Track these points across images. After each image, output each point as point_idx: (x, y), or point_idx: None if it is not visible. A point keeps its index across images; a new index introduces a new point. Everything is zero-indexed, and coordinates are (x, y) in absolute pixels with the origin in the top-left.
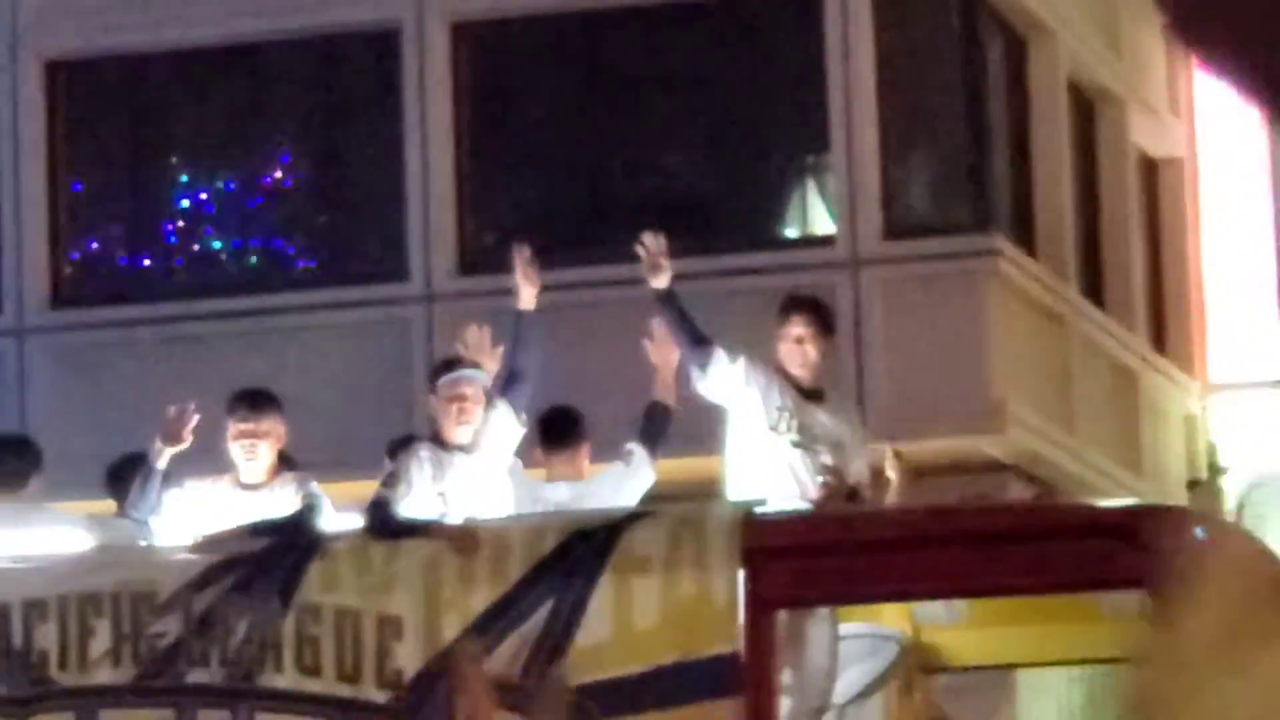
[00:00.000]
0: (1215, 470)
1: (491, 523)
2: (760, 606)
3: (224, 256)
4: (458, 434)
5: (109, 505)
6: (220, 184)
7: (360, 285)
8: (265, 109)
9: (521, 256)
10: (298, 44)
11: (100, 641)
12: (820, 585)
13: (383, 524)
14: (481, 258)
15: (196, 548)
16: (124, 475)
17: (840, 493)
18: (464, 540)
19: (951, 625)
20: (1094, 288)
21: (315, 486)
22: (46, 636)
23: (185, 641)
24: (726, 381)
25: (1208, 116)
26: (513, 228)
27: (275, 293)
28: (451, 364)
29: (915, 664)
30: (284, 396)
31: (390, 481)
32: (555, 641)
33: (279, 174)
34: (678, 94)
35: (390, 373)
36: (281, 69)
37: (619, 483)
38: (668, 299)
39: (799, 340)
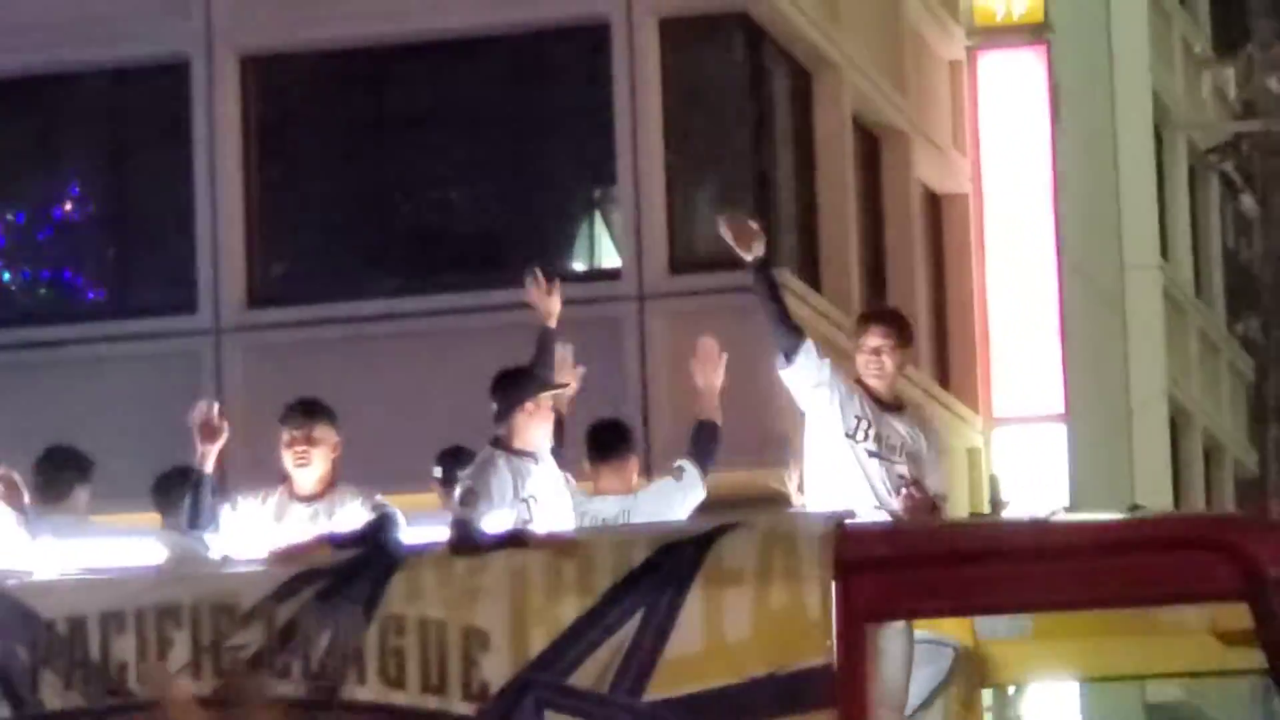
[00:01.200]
0: (997, 503)
1: (580, 533)
2: (852, 619)
3: (13, 288)
4: (542, 443)
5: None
6: (10, 216)
7: (149, 317)
8: (55, 141)
9: (538, 278)
10: (88, 76)
11: (179, 653)
12: (912, 598)
13: (469, 543)
14: (270, 290)
15: (273, 559)
16: (169, 488)
17: (924, 506)
18: (562, 547)
19: (1015, 638)
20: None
21: (382, 498)
22: (124, 648)
23: (266, 653)
24: (809, 374)
25: (992, 152)
26: (301, 261)
27: (64, 324)
28: (547, 381)
29: (976, 676)
30: (72, 427)
31: (469, 500)
32: (645, 654)
33: (69, 206)
34: (465, 127)
35: (179, 405)
36: (71, 101)
37: (669, 498)
38: (763, 274)
39: (876, 351)
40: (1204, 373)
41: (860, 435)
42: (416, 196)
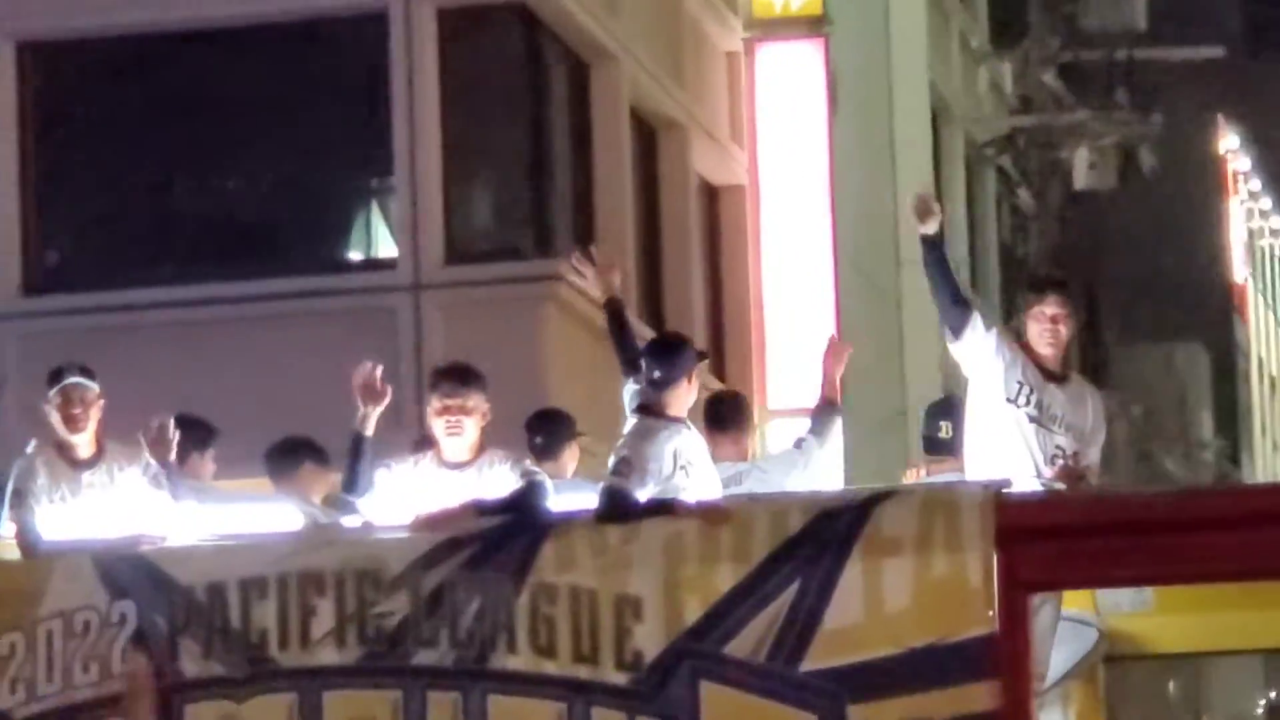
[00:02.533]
0: None
1: (733, 501)
2: (1015, 588)
3: None
4: (684, 409)
5: None
6: None
7: None
8: None
9: (591, 256)
10: None
11: (323, 621)
12: (1075, 567)
13: (619, 511)
14: (46, 277)
15: (418, 526)
16: (283, 457)
17: (1076, 476)
18: (715, 515)
19: (1137, 612)
20: (655, 313)
21: (532, 464)
22: (266, 615)
23: (413, 621)
24: (978, 347)
25: (769, 145)
26: (78, 248)
27: None
28: (703, 351)
29: (1100, 652)
30: None
31: (623, 469)
32: (802, 623)
33: None
34: (243, 116)
35: None
36: None
37: (789, 468)
38: (933, 249)
39: (1054, 320)
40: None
41: (1021, 401)
42: (194, 185)
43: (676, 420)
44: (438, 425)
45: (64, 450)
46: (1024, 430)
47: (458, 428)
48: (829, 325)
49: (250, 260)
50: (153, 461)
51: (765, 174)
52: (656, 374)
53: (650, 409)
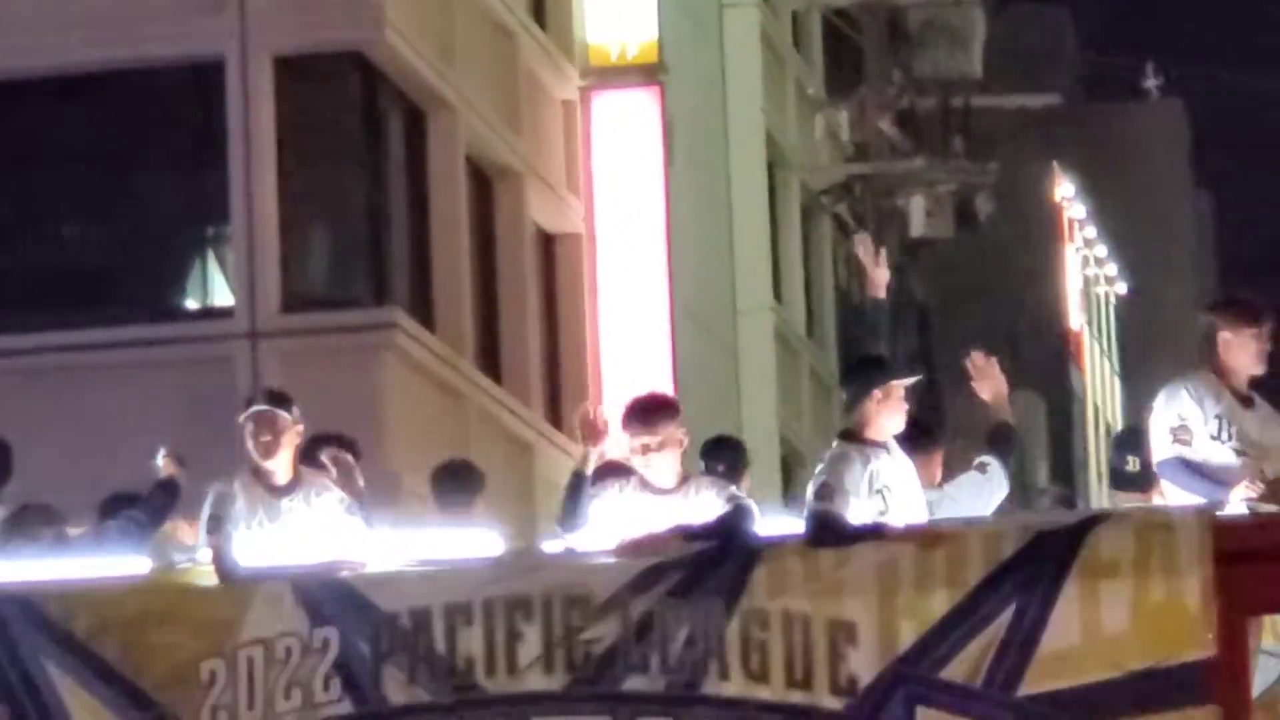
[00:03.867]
0: None
1: (947, 524)
2: (1233, 610)
3: None
4: (893, 432)
5: None
6: None
7: None
8: None
9: (867, 245)
10: None
11: (530, 646)
12: None
13: (833, 536)
14: None
15: (623, 551)
16: (448, 480)
17: (1275, 497)
18: (928, 539)
19: None
20: (491, 362)
21: (737, 489)
22: (471, 641)
23: (622, 646)
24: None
25: (605, 193)
26: None
27: None
28: (896, 369)
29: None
30: None
31: (825, 494)
32: (1020, 647)
33: None
34: (78, 165)
35: None
36: None
37: (977, 491)
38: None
39: (1270, 341)
40: (816, 413)
41: (1225, 436)
42: (29, 234)
43: (874, 444)
44: (637, 463)
45: (261, 476)
46: (1226, 463)
47: (655, 463)
48: (665, 372)
49: (86, 310)
50: (345, 492)
51: (602, 222)
52: (844, 396)
53: (849, 433)
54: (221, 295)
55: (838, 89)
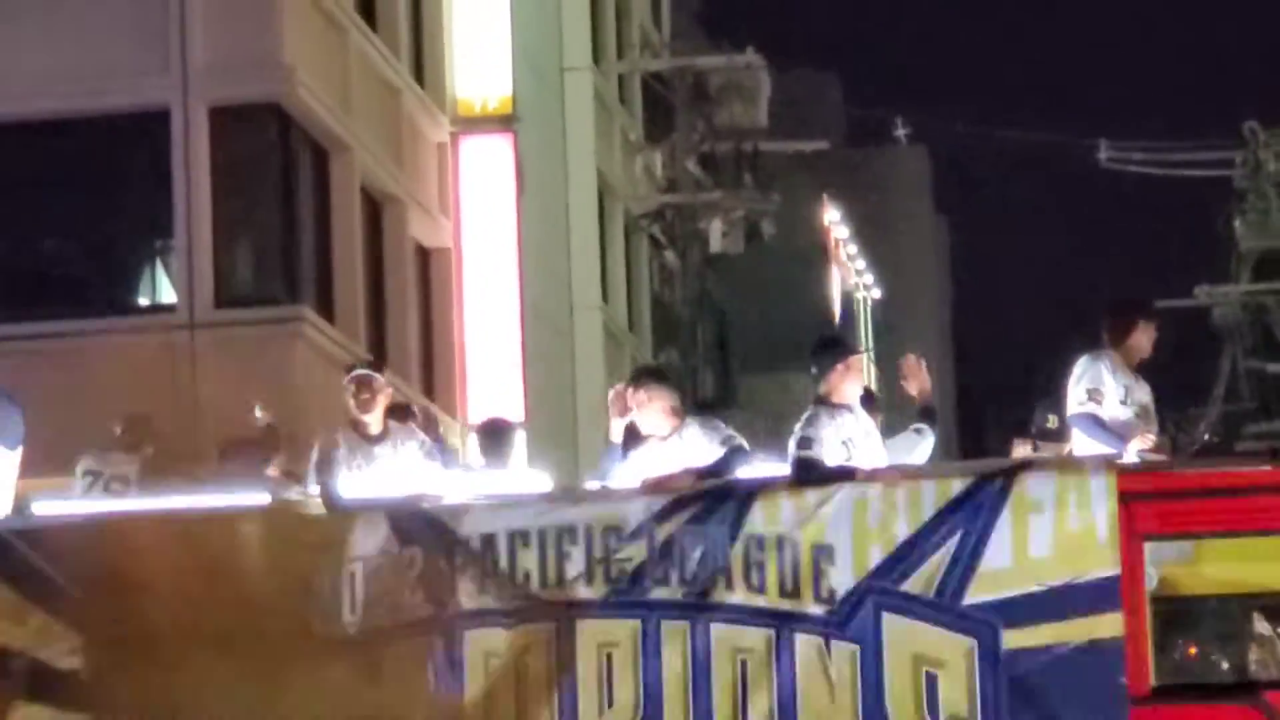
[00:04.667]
0: None
1: (906, 468)
2: (1133, 538)
3: None
4: (853, 397)
5: None
6: None
7: None
8: None
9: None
10: None
11: (575, 564)
12: (1179, 521)
13: (814, 477)
14: None
15: (648, 488)
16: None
17: (1159, 450)
18: (891, 480)
19: (1181, 561)
20: (380, 348)
21: (731, 430)
22: (529, 560)
23: (649, 564)
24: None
25: (469, 217)
26: None
27: None
28: (852, 345)
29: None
30: None
31: (805, 444)
32: (965, 566)
33: None
34: (55, 192)
35: None
36: None
37: (911, 447)
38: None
39: (1155, 343)
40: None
41: (1128, 402)
42: (16, 246)
43: (840, 406)
44: (634, 416)
45: (358, 428)
46: (1129, 423)
47: (644, 419)
48: (516, 359)
49: (59, 305)
50: (427, 438)
51: (467, 239)
52: (814, 369)
53: (819, 399)
54: (166, 295)
55: (654, 136)
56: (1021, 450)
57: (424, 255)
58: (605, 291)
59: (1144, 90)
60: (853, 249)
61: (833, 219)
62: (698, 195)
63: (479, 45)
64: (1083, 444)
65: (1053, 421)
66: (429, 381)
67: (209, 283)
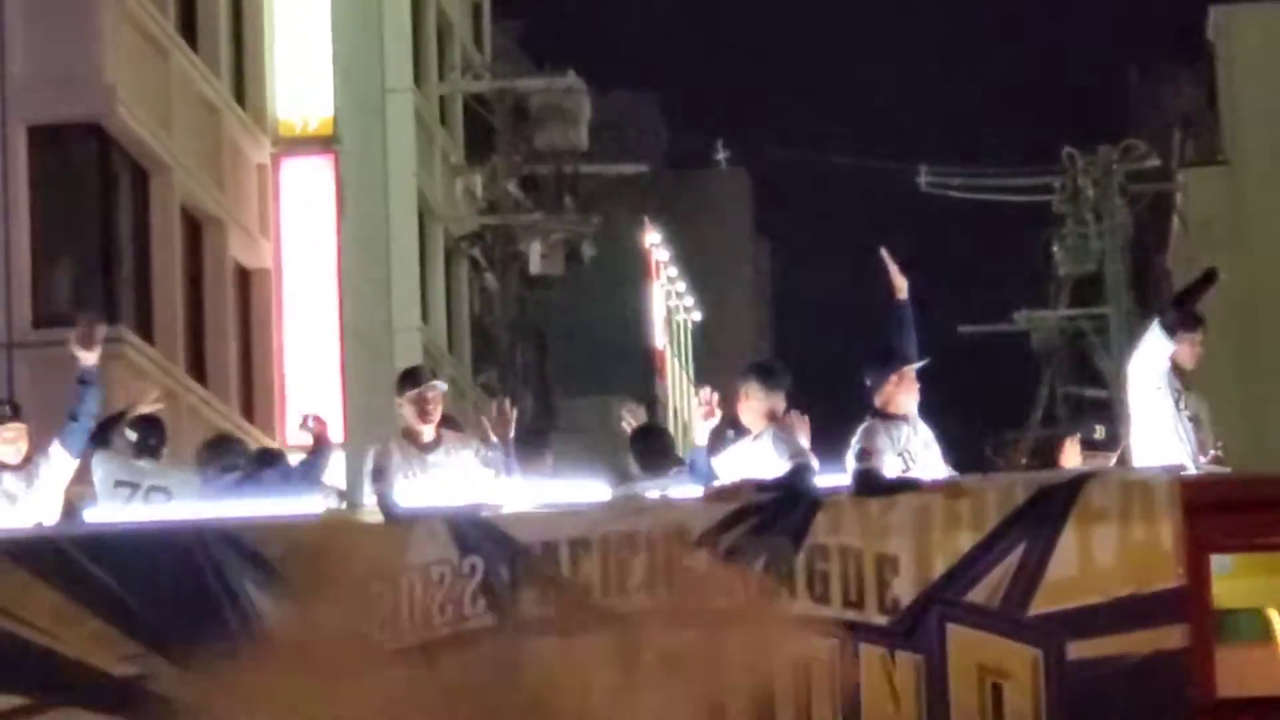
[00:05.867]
0: None
1: (969, 479)
2: (1198, 550)
3: None
4: (910, 407)
5: None
6: None
7: None
8: None
9: (889, 258)
10: None
11: (637, 573)
12: (1243, 534)
13: (875, 489)
14: None
15: (709, 497)
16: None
17: (1221, 462)
18: (954, 490)
19: (1220, 574)
20: (199, 369)
21: (802, 445)
22: (591, 568)
23: (712, 573)
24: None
25: (290, 238)
26: None
27: None
28: (908, 356)
29: None
30: None
31: (864, 457)
32: (1029, 576)
33: None
34: None
35: None
36: None
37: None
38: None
39: (1200, 343)
40: (456, 412)
41: (1182, 406)
42: None
43: (895, 417)
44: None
45: (412, 437)
46: (1183, 429)
47: (744, 414)
48: (335, 378)
49: None
50: (482, 445)
51: (287, 260)
52: (867, 380)
53: (875, 410)
54: None
55: (475, 157)
56: (1074, 459)
57: (244, 276)
58: (425, 312)
59: (963, 117)
60: (673, 271)
61: (653, 241)
62: (518, 217)
63: (300, 66)
64: (1141, 456)
65: (1100, 433)
66: (249, 402)
67: (27, 302)
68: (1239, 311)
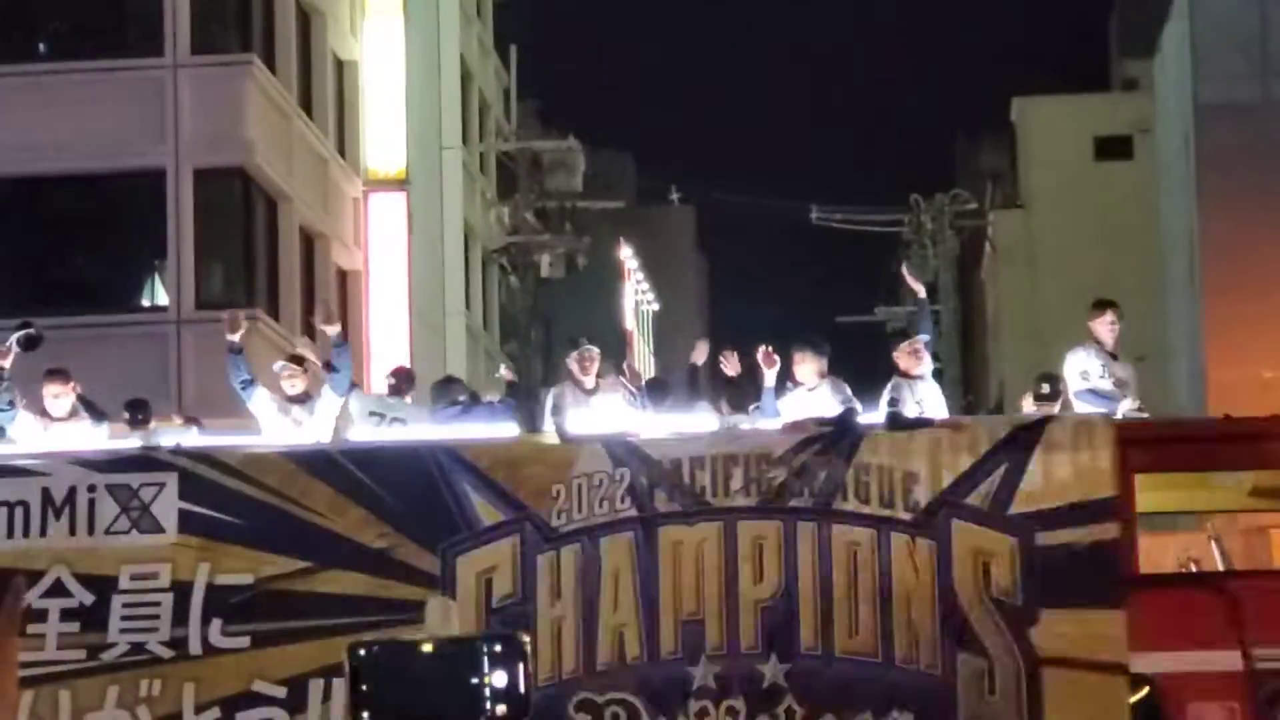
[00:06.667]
0: None
1: (968, 417)
2: (1125, 471)
3: None
4: (915, 368)
5: None
6: None
7: None
8: None
9: (909, 269)
10: None
11: (736, 481)
12: (1160, 460)
13: (901, 425)
14: None
15: (787, 429)
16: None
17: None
18: (957, 426)
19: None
20: (311, 339)
21: (849, 393)
22: (704, 477)
23: (789, 482)
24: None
25: (375, 249)
26: None
27: None
28: (908, 335)
29: None
30: None
31: (893, 403)
32: (1009, 486)
33: None
34: (84, 233)
35: None
36: None
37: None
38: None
39: (1113, 322)
40: (488, 373)
41: (1107, 375)
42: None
43: (910, 376)
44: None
45: (578, 383)
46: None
47: (799, 371)
48: (405, 347)
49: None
50: (631, 390)
51: (373, 265)
52: (894, 352)
53: (899, 371)
54: (160, 297)
55: (503, 195)
56: (1029, 407)
57: (343, 275)
58: (468, 302)
59: (843, 171)
60: (640, 276)
61: (626, 255)
62: (533, 237)
63: (383, 129)
64: (1082, 408)
65: (1047, 389)
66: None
67: (191, 292)
68: (1029, 313)
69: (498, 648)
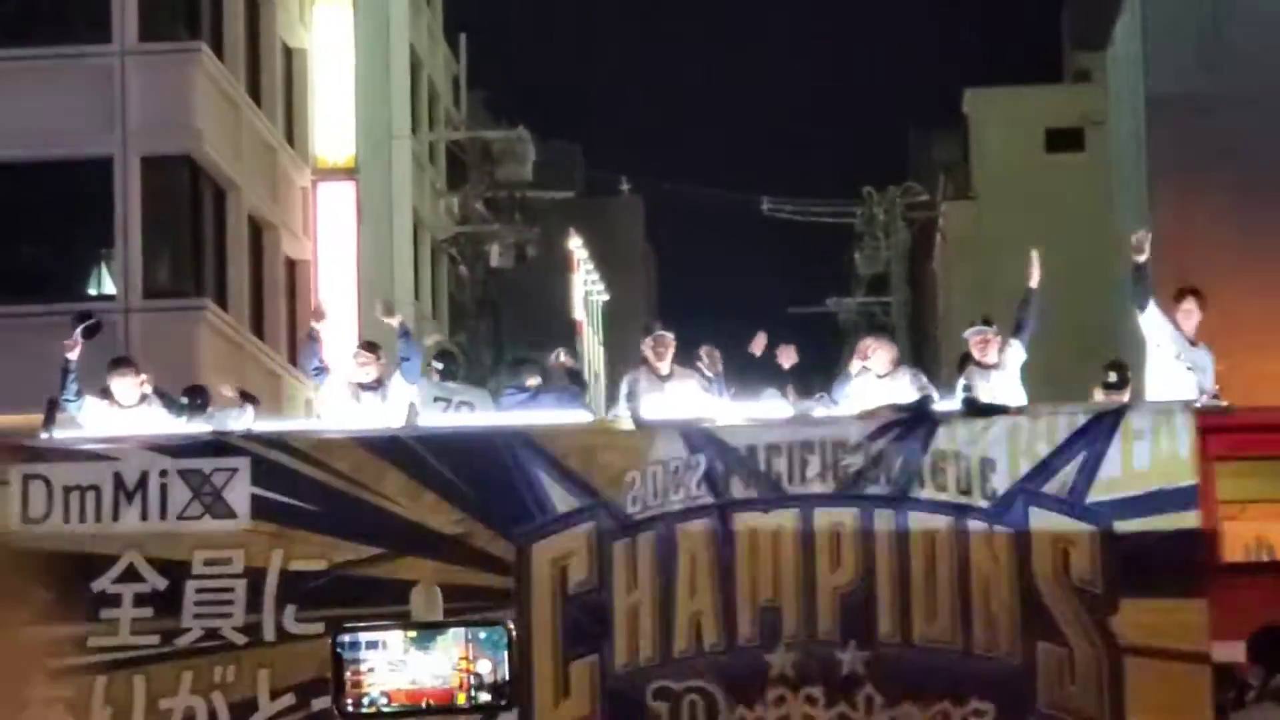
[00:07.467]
0: None
1: (1045, 406)
2: (1205, 459)
3: None
4: (990, 359)
5: None
6: None
7: None
8: None
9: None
10: None
11: (813, 468)
12: (1243, 448)
13: (977, 412)
14: None
15: (863, 416)
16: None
17: (1216, 398)
18: (1033, 413)
19: None
20: (258, 328)
21: (925, 381)
22: (781, 464)
23: (866, 469)
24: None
25: (324, 239)
26: None
27: None
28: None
29: None
30: None
31: (968, 390)
32: (1088, 474)
33: None
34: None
35: None
36: None
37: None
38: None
39: (1189, 312)
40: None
41: (1184, 358)
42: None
43: (984, 365)
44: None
45: (652, 369)
46: (1184, 376)
47: (873, 361)
48: (354, 336)
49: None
50: (706, 375)
51: (323, 255)
52: (966, 340)
53: (974, 361)
54: (108, 287)
55: (453, 185)
56: (1098, 397)
57: (291, 265)
58: (417, 291)
59: (795, 162)
60: (590, 265)
61: (576, 245)
62: (483, 227)
63: (332, 118)
64: (1153, 391)
65: (1113, 378)
66: (292, 352)
67: (139, 279)
68: (980, 304)
69: (481, 635)
